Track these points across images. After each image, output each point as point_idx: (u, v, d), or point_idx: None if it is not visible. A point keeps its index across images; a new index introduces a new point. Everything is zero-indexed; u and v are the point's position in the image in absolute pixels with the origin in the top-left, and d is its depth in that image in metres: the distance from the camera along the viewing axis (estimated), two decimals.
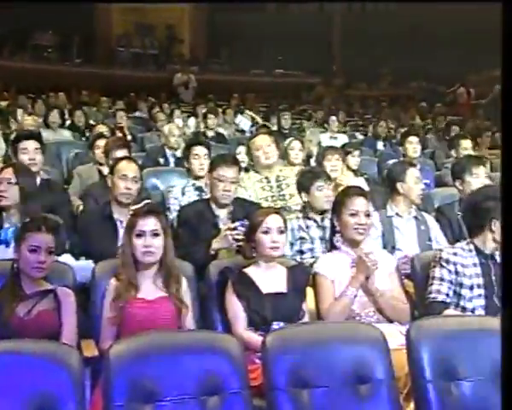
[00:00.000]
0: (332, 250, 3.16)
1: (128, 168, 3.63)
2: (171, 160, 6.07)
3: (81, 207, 4.29)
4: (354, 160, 5.58)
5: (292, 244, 3.66)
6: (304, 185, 3.80)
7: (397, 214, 3.85)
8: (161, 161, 6.04)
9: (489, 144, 8.13)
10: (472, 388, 2.27)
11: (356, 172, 5.49)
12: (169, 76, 13.33)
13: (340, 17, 17.15)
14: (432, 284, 3.02)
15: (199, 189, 4.28)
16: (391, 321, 2.94)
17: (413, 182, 3.88)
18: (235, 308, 2.81)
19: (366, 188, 4.41)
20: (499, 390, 2.26)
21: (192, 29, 16.83)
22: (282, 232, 2.94)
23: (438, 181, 5.81)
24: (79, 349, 2.43)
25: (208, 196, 3.73)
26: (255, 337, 2.69)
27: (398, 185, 3.88)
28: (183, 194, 4.29)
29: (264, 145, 4.42)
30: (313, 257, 3.55)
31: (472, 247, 3.02)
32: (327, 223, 3.54)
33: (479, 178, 4.05)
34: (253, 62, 15.22)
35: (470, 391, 2.26)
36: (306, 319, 2.87)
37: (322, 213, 3.72)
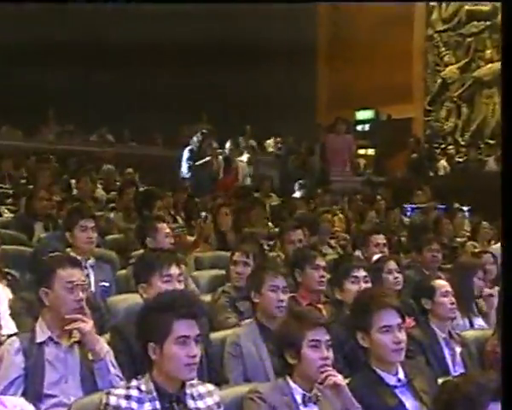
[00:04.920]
0: None
1: None
2: None
3: None
4: None
5: None
6: None
7: (51, 339, 2.61)
8: None
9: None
10: None
11: None
12: None
13: None
14: None
15: None
16: None
17: (62, 287, 2.64)
18: None
19: (9, 295, 3.24)
20: None
21: None
22: None
23: (123, 284, 4.12)
24: None
25: None
26: None
27: (41, 294, 2.67)
28: None
29: None
30: None
31: (152, 386, 2.21)
32: None
33: (171, 281, 2.96)
34: None
35: None
36: None
37: None
